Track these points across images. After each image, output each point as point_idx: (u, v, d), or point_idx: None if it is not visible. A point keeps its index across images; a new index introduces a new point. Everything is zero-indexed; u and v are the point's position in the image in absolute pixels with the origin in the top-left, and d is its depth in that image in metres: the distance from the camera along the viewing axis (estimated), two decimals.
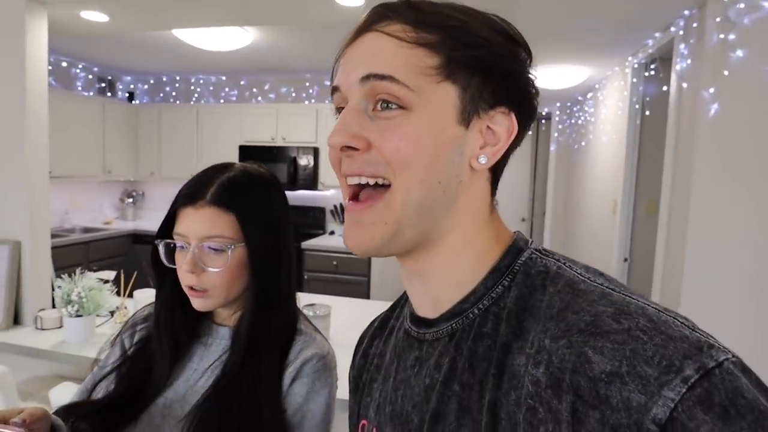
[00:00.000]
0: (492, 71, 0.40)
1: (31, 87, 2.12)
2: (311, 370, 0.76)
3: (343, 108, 0.42)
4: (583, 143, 4.12)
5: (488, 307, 0.41)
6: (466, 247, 0.43)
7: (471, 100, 0.40)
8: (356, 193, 0.42)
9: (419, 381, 0.45)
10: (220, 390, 0.73)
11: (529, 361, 0.36)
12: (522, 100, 0.42)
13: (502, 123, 0.41)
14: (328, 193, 4.28)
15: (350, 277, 3.74)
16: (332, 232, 4.29)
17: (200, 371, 0.79)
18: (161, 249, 0.78)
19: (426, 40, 0.39)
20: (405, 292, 0.54)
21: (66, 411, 0.73)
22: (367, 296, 3.71)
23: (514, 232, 0.45)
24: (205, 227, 0.73)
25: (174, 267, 0.77)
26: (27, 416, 0.62)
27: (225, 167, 0.79)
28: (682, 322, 0.33)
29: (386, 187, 0.40)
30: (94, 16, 2.46)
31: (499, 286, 0.41)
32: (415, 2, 0.40)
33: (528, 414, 0.34)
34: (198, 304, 0.76)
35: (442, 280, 0.44)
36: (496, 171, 0.44)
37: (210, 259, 0.74)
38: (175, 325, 0.80)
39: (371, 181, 0.40)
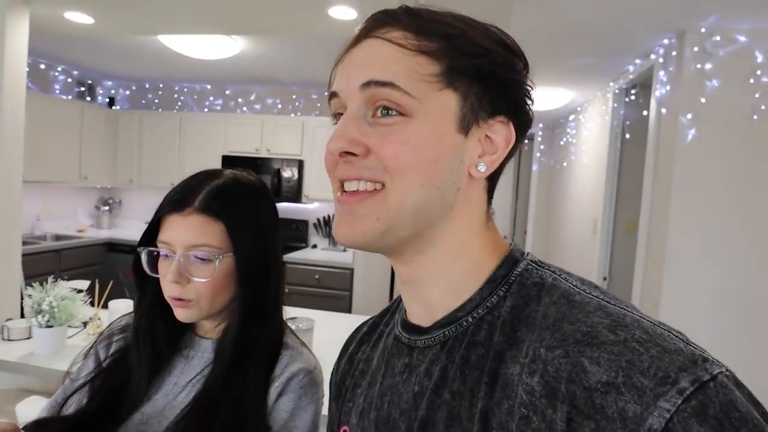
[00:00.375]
0: (491, 80, 0.40)
1: (8, 88, 2.05)
2: (298, 386, 0.74)
3: (341, 113, 0.42)
4: (564, 164, 4.22)
5: (482, 316, 0.41)
6: (461, 254, 0.43)
7: (471, 109, 0.40)
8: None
9: (408, 388, 0.44)
10: (201, 405, 0.70)
11: (524, 370, 0.36)
12: (519, 110, 0.42)
13: (501, 132, 0.42)
14: (312, 207, 4.24)
15: (332, 291, 3.69)
16: (314, 246, 4.25)
17: (180, 385, 0.75)
18: (144, 257, 0.74)
19: (427, 47, 0.39)
20: (396, 299, 0.54)
21: (35, 427, 0.68)
22: (348, 310, 3.67)
23: (510, 243, 0.46)
24: (192, 236, 0.70)
25: (157, 276, 0.74)
26: None
27: (214, 174, 0.77)
28: (676, 336, 0.34)
29: (381, 188, 0.40)
30: (79, 17, 2.41)
31: (495, 296, 0.41)
32: (415, 10, 0.41)
33: (521, 423, 0.34)
34: (181, 314, 0.73)
35: (437, 286, 0.44)
36: (492, 180, 0.44)
37: (196, 268, 0.71)
38: (155, 336, 0.77)
39: (369, 187, 0.40)
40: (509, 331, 0.39)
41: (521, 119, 0.43)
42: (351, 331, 0.61)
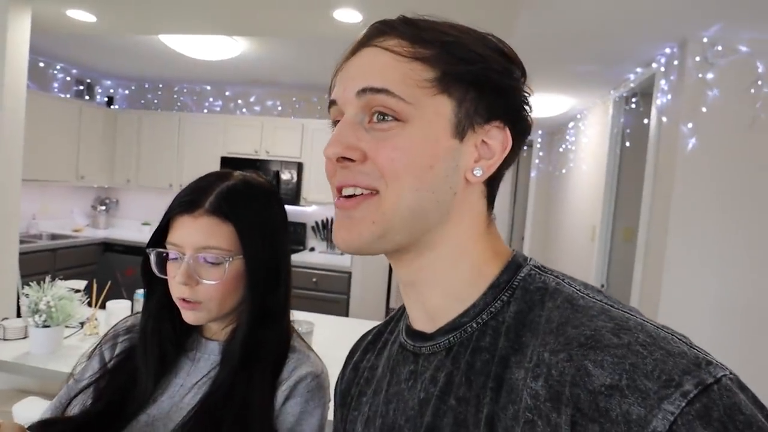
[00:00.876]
0: (487, 86, 0.41)
1: (8, 86, 2.04)
2: (305, 390, 0.73)
3: (339, 121, 0.43)
4: (563, 171, 4.23)
5: (487, 321, 0.41)
6: (460, 259, 0.43)
7: (466, 114, 0.41)
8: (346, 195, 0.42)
9: (413, 395, 0.44)
10: (207, 407, 0.69)
11: (528, 375, 0.36)
12: (516, 116, 0.43)
13: (497, 137, 0.42)
14: (310, 209, 4.24)
15: (329, 295, 3.68)
16: (312, 249, 4.24)
17: (187, 387, 0.74)
18: (153, 258, 0.74)
19: (422, 54, 0.40)
20: (400, 307, 0.54)
21: (40, 427, 0.67)
22: (345, 314, 3.65)
23: (513, 249, 0.46)
24: (201, 238, 0.70)
25: (165, 277, 0.73)
26: None
27: (224, 175, 0.77)
28: (680, 339, 0.34)
29: (376, 192, 0.41)
30: (81, 15, 2.40)
31: (498, 301, 0.42)
32: (413, 19, 0.42)
33: (526, 427, 0.34)
34: (190, 316, 0.72)
35: (437, 290, 0.44)
36: (491, 186, 0.45)
37: (205, 271, 0.71)
38: (162, 337, 0.76)
39: (366, 192, 0.41)
40: (514, 336, 0.39)
41: (519, 125, 0.43)
42: (349, 335, 0.61)
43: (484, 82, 0.41)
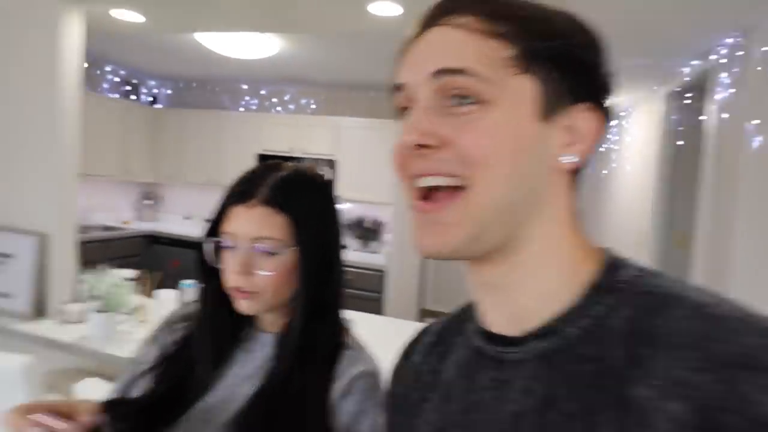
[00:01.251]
0: (571, 64, 0.37)
1: (65, 90, 2.13)
2: (362, 388, 0.71)
3: (406, 108, 0.40)
4: (605, 171, 4.08)
5: (589, 327, 0.37)
6: (552, 255, 0.39)
7: (551, 95, 0.37)
8: (425, 195, 0.38)
9: (503, 406, 0.40)
10: (263, 399, 0.69)
11: (660, 395, 0.31)
12: (604, 97, 0.39)
13: (587, 120, 0.38)
14: (344, 207, 4.26)
15: (363, 293, 3.68)
16: (344, 246, 4.24)
17: (241, 377, 0.75)
18: (208, 248, 0.74)
19: (499, 30, 0.37)
20: (462, 307, 0.50)
21: (106, 407, 0.69)
22: (379, 312, 3.64)
23: (603, 246, 0.42)
24: (256, 228, 0.69)
25: (220, 267, 0.73)
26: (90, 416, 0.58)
27: (277, 166, 0.76)
28: None
29: (461, 188, 0.37)
30: (131, 16, 2.49)
31: (601, 305, 0.37)
32: None
33: None
34: (243, 306, 0.72)
35: (527, 291, 0.40)
36: (577, 175, 0.41)
37: (260, 261, 0.70)
38: (218, 328, 0.76)
39: (445, 182, 0.37)
40: (628, 347, 0.35)
41: (604, 108, 0.39)
42: (384, 333, 0.57)
43: (567, 59, 0.37)
